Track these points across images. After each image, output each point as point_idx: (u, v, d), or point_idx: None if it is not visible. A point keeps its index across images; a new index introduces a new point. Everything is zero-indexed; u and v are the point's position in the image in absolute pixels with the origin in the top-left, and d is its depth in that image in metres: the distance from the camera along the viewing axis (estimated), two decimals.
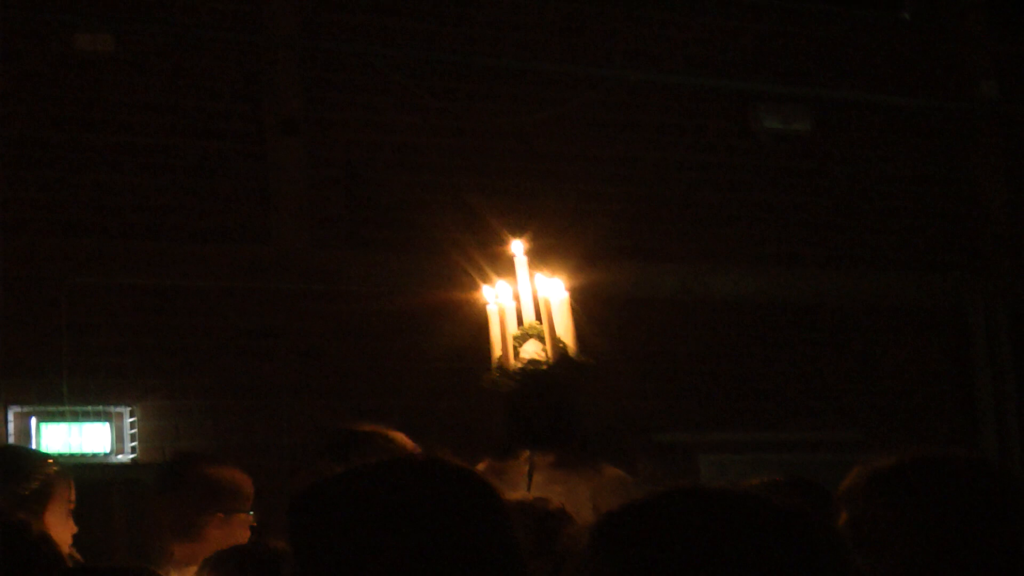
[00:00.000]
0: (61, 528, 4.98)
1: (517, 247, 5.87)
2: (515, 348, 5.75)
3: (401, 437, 5.12)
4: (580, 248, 9.43)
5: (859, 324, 11.42)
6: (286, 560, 2.16)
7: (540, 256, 6.43)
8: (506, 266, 6.07)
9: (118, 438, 9.14)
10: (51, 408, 9.02)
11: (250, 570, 3.86)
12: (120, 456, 9.14)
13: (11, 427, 8.93)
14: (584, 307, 6.51)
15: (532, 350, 5.74)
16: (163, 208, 9.50)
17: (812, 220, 11.39)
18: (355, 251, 9.94)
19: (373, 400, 9.64)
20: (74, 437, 9.06)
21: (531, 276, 5.79)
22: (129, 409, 9.18)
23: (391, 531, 2.02)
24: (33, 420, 8.97)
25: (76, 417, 9.07)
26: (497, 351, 5.76)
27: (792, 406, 11.12)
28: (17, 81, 9.23)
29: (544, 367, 5.72)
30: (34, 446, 8.93)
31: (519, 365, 5.73)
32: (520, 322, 5.70)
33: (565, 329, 5.70)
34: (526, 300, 5.72)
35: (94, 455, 9.08)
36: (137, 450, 9.18)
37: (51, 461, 5.27)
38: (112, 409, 9.14)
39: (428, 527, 2.03)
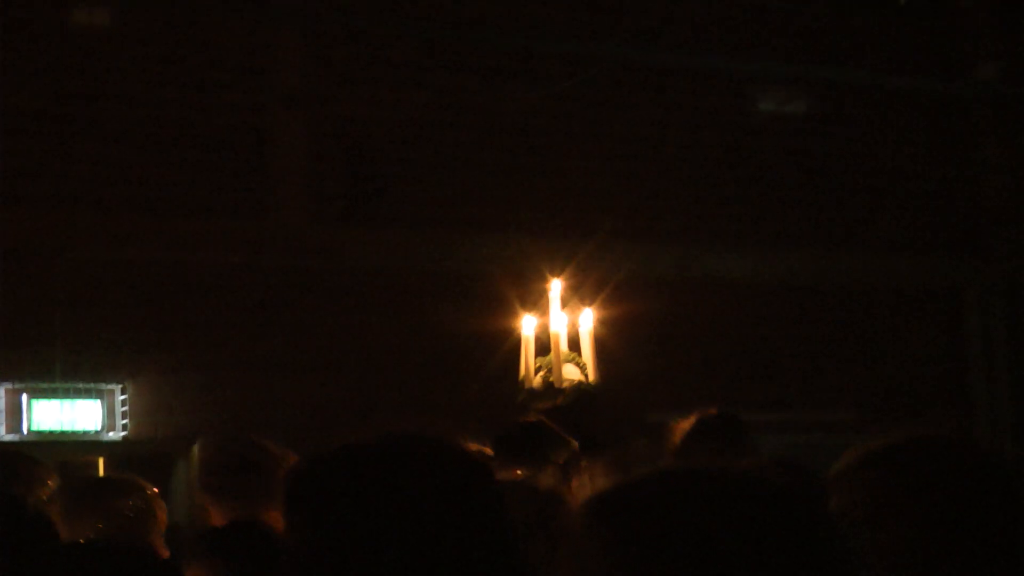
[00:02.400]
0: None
1: (555, 286, 6.60)
2: (540, 372, 6.45)
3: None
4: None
5: (855, 305, 11.43)
6: (282, 534, 2.17)
7: (572, 290, 7.07)
8: (536, 297, 6.89)
9: (109, 414, 9.13)
10: (43, 385, 9.01)
11: (246, 545, 3.86)
12: (111, 433, 9.13)
13: (2, 403, 8.92)
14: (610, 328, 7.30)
15: (572, 373, 6.42)
16: (161, 182, 9.49)
17: (809, 201, 11.39)
18: (354, 227, 9.94)
19: (371, 377, 9.65)
20: (65, 414, 9.06)
21: (563, 307, 6.56)
22: (120, 386, 9.17)
23: (385, 507, 2.03)
24: (24, 397, 8.96)
25: (67, 394, 9.07)
26: (531, 374, 6.43)
27: (787, 387, 11.13)
28: (14, 54, 9.21)
29: (589, 387, 6.46)
30: (25, 423, 8.92)
31: (547, 386, 6.44)
32: (541, 352, 6.40)
33: (589, 356, 6.40)
34: (559, 328, 6.42)
35: (85, 432, 9.08)
36: (128, 427, 9.18)
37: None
38: (103, 387, 9.13)
39: (422, 503, 2.04)
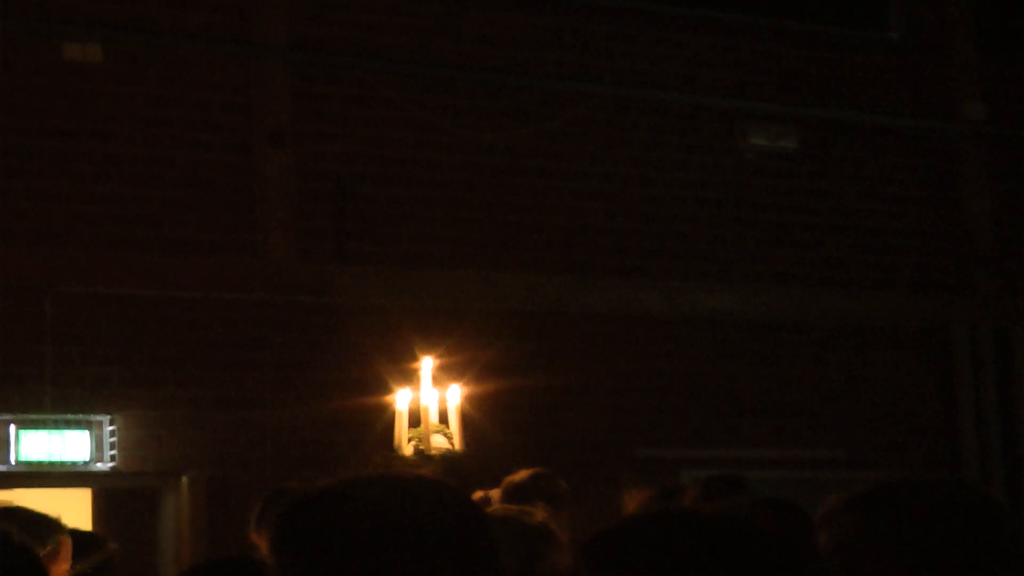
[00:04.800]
0: None
1: (426, 363, 7.60)
2: (411, 441, 7.55)
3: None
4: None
5: (843, 342, 11.44)
6: (269, 572, 2.17)
7: (445, 369, 8.20)
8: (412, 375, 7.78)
9: (98, 446, 9.13)
10: (32, 416, 9.01)
11: None
12: (99, 464, 9.12)
13: None
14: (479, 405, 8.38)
15: (440, 442, 7.48)
16: (150, 219, 9.50)
17: (797, 239, 11.42)
18: (341, 264, 9.95)
19: (358, 414, 9.63)
20: (55, 445, 9.05)
21: (435, 384, 7.59)
22: (109, 418, 9.17)
23: (375, 545, 2.03)
24: (13, 428, 8.96)
25: (56, 425, 9.06)
26: (403, 442, 7.51)
27: (776, 424, 11.14)
28: (5, 90, 9.23)
29: (456, 454, 7.53)
30: (13, 454, 8.91)
31: (417, 453, 7.56)
32: (416, 423, 7.46)
33: (455, 427, 7.48)
34: (429, 403, 7.49)
35: (73, 463, 9.07)
36: (117, 458, 9.17)
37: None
38: (92, 418, 9.13)
39: (412, 542, 2.04)
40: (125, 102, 9.54)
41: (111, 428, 9.17)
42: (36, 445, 9.01)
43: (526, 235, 10.53)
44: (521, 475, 6.55)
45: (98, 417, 9.16)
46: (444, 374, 10.04)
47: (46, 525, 5.15)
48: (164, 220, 9.54)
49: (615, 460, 10.52)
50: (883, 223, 11.74)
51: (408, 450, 7.67)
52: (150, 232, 9.49)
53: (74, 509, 9.23)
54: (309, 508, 2.13)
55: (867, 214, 11.69)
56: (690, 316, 10.90)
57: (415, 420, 7.88)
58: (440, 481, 2.17)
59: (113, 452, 9.16)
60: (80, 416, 9.12)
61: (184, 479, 9.41)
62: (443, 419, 7.85)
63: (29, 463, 8.97)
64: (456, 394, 7.79)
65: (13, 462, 8.92)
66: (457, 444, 7.68)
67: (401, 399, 7.96)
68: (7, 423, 8.96)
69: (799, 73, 11.59)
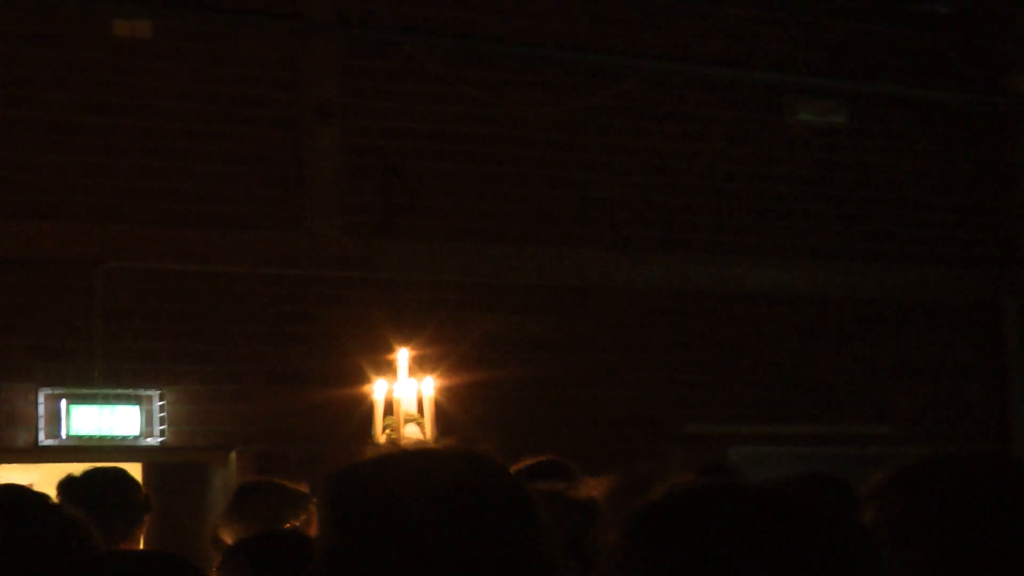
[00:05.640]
0: None
1: (402, 354, 7.78)
2: (386, 431, 7.67)
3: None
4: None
5: (892, 318, 11.39)
6: (315, 540, 2.19)
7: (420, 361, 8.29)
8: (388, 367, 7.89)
9: (148, 421, 9.19)
10: (82, 391, 9.07)
11: (279, 553, 3.88)
12: (149, 439, 9.18)
13: (41, 409, 8.98)
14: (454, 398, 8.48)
15: (413, 431, 7.61)
16: (198, 194, 9.54)
17: (845, 213, 11.36)
18: (388, 239, 9.96)
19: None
20: (104, 419, 9.11)
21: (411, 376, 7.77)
22: (159, 392, 9.23)
23: (422, 516, 2.04)
24: (63, 402, 9.02)
25: (107, 400, 9.12)
26: (379, 432, 7.65)
27: (824, 399, 11.10)
28: (56, 66, 9.28)
29: (428, 444, 8.01)
30: (64, 428, 8.98)
31: (390, 443, 7.52)
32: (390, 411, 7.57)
33: (430, 417, 7.63)
34: (404, 394, 7.66)
35: (123, 438, 9.13)
36: (166, 433, 9.23)
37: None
38: (142, 392, 9.19)
39: (457, 516, 2.05)
40: (173, 78, 9.57)
41: (161, 403, 9.22)
42: (87, 420, 9.08)
43: (572, 210, 10.52)
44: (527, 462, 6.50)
45: (148, 392, 9.22)
46: (491, 351, 10.07)
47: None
48: (212, 195, 9.58)
49: (662, 436, 10.51)
50: (931, 197, 11.67)
51: (382, 440, 7.80)
52: (198, 207, 9.53)
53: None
54: (362, 473, 2.15)
55: (915, 188, 11.63)
56: (736, 291, 10.88)
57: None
58: (485, 456, 2.18)
59: (163, 427, 9.22)
60: (130, 391, 9.18)
61: (232, 454, 9.46)
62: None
63: (79, 437, 9.03)
64: (430, 385, 7.95)
65: (64, 436, 8.99)
66: (428, 434, 7.74)
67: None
68: (58, 398, 9.03)
69: (847, 47, 11.52)
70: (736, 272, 10.86)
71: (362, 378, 9.43)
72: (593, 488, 4.50)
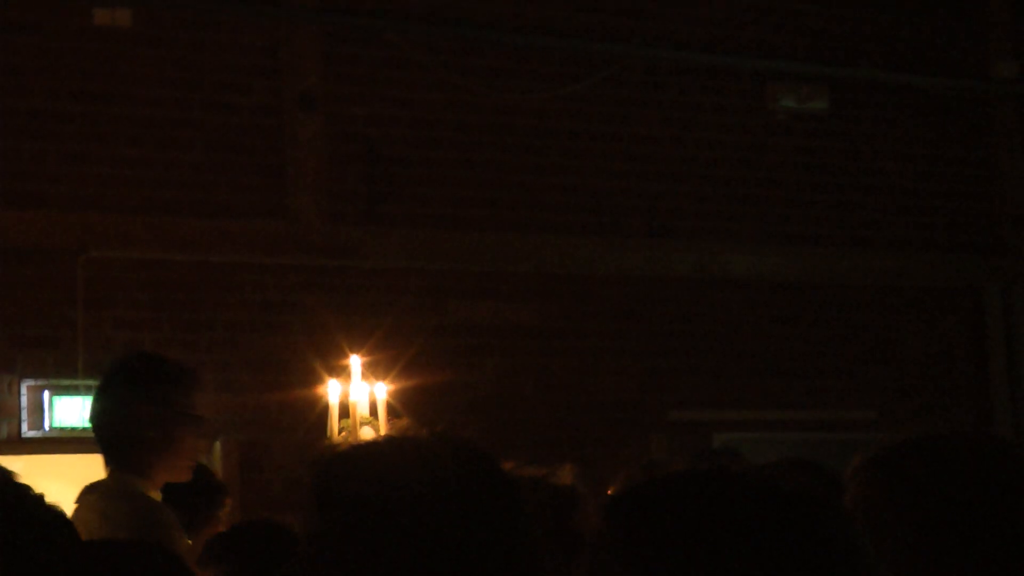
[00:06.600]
0: None
1: (355, 360, 7.76)
2: (342, 433, 7.74)
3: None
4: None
5: (875, 304, 11.42)
6: (301, 526, 2.19)
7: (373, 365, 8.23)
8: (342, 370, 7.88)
9: None
10: (65, 382, 9.04)
11: (262, 544, 3.87)
12: None
13: (24, 400, 8.96)
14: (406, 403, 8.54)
15: (368, 433, 7.64)
16: (180, 182, 9.52)
17: (828, 200, 11.38)
18: (372, 227, 9.96)
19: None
20: (87, 410, 9.08)
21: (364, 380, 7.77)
22: None
23: (404, 504, 2.04)
24: (46, 393, 9.00)
25: (90, 391, 9.09)
26: (334, 432, 7.72)
27: (807, 385, 11.12)
28: (36, 54, 9.25)
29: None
30: (47, 419, 8.95)
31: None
32: (346, 414, 7.61)
33: (382, 420, 7.73)
34: (358, 397, 7.67)
35: None
36: None
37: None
38: None
39: (437, 503, 2.05)
40: (154, 66, 9.55)
41: None
42: (70, 411, 9.04)
43: (555, 197, 10.52)
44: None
45: None
46: (472, 338, 10.07)
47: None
48: (194, 184, 9.56)
49: (646, 423, 10.53)
50: (914, 184, 11.69)
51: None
52: (180, 196, 9.51)
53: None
54: (347, 461, 2.15)
55: (898, 175, 11.64)
56: (720, 278, 10.89)
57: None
58: (464, 442, 2.18)
59: None
60: None
61: (217, 444, 9.45)
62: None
63: (63, 429, 9.00)
64: (383, 390, 8.04)
65: (47, 428, 8.96)
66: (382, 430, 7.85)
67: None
68: (41, 389, 9.01)
69: (829, 33, 11.53)
70: (720, 259, 10.87)
71: (345, 369, 9.44)
72: (573, 474, 4.50)
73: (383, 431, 7.53)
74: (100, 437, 4.83)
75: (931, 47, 11.85)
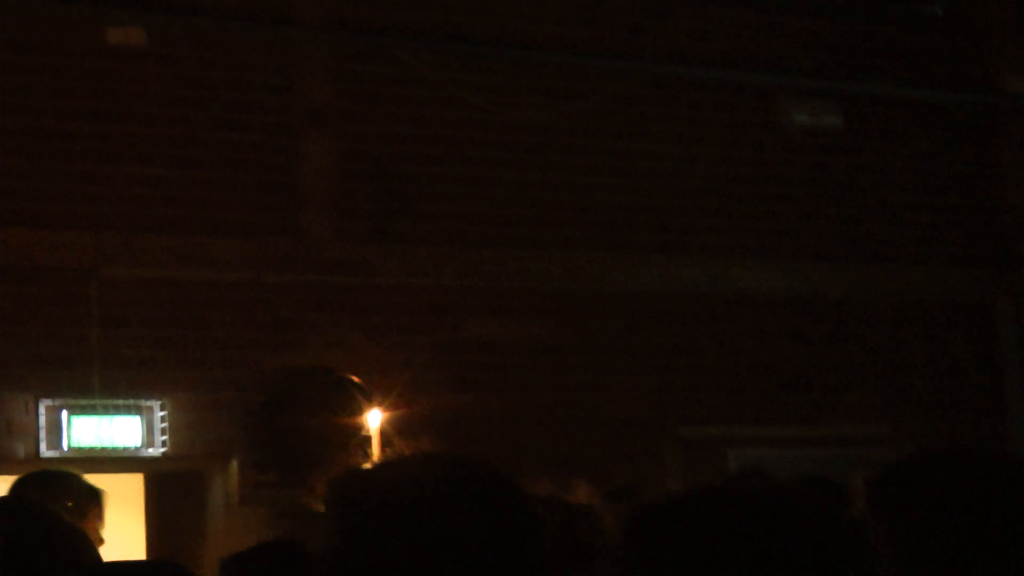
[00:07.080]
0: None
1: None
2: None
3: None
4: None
5: (887, 319, 11.41)
6: (321, 544, 2.20)
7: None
8: None
9: (149, 431, 9.16)
10: (82, 401, 9.04)
11: (275, 565, 3.89)
12: (151, 449, 9.16)
13: (42, 420, 8.96)
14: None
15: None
16: (192, 201, 9.54)
17: (840, 215, 11.38)
18: (382, 244, 9.97)
19: (401, 395, 9.67)
20: (104, 430, 9.09)
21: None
22: (160, 402, 9.21)
23: (420, 521, 2.05)
24: (64, 413, 9.00)
25: (107, 410, 9.10)
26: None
27: (819, 401, 11.11)
28: (49, 74, 9.28)
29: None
30: (65, 439, 8.96)
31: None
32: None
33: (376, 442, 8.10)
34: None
35: (125, 448, 9.11)
36: (168, 444, 9.21)
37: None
38: (143, 403, 9.17)
39: (453, 520, 2.06)
40: (167, 84, 9.57)
41: (162, 414, 9.20)
42: (87, 430, 9.04)
43: (566, 213, 10.53)
44: None
45: (149, 402, 9.18)
46: (486, 355, 10.08)
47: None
48: (206, 202, 9.58)
49: (659, 440, 10.52)
50: (925, 198, 11.69)
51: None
52: (192, 214, 9.53)
53: (126, 494, 9.27)
54: (364, 480, 2.17)
55: (909, 190, 11.64)
56: (733, 293, 10.88)
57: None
58: (479, 460, 2.19)
59: (164, 437, 9.19)
60: (131, 401, 9.15)
61: (233, 462, 9.45)
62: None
63: (80, 448, 9.00)
64: (377, 418, 8.13)
65: (65, 448, 8.95)
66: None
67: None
68: (59, 408, 9.00)
69: (840, 49, 11.53)
70: (732, 274, 10.87)
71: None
72: (589, 493, 4.52)
73: (377, 454, 7.60)
74: None
75: (943, 62, 11.86)
